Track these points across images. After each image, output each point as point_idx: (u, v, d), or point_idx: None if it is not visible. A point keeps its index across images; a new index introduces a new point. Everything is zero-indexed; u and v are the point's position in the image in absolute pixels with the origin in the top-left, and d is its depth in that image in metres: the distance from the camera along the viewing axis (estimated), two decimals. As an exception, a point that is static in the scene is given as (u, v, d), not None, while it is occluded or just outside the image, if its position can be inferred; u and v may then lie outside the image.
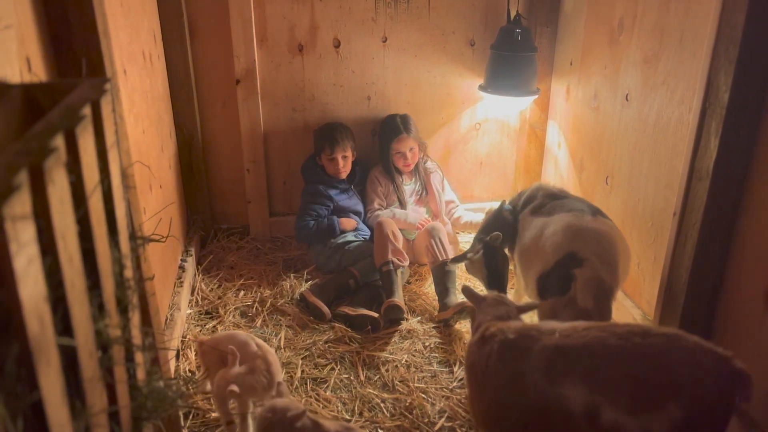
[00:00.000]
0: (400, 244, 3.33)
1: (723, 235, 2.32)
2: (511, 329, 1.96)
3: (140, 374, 1.41)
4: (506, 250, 3.05)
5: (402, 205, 3.79)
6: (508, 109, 3.98)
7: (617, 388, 1.67)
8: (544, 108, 3.98)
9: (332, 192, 3.66)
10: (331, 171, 3.65)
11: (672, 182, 2.64)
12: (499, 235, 2.90)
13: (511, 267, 3.15)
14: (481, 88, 3.79)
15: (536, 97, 3.80)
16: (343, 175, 3.68)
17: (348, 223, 3.68)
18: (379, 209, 3.76)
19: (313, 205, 3.62)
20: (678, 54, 2.58)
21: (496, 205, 3.19)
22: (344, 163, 3.64)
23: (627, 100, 3.01)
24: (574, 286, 2.30)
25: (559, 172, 3.88)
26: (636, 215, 2.98)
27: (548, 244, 2.48)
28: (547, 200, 2.80)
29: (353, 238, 3.61)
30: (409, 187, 3.83)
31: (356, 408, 2.52)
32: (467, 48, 3.84)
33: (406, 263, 3.33)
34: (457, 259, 3.16)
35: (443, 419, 2.46)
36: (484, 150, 4.16)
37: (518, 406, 1.84)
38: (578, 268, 2.30)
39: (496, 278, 2.95)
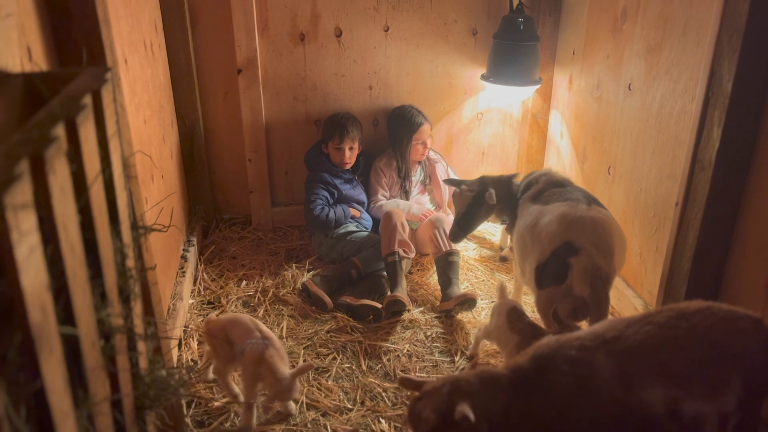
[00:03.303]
0: (407, 235, 3.34)
1: (725, 225, 2.32)
2: (559, 346, 1.74)
3: (143, 363, 1.42)
4: (505, 228, 3.14)
5: (407, 195, 3.80)
6: (511, 98, 3.96)
7: (690, 378, 1.64)
8: (546, 98, 3.96)
9: (337, 181, 3.66)
10: (337, 160, 3.65)
11: (674, 172, 2.64)
12: (492, 195, 2.95)
13: (510, 255, 3.15)
14: (484, 77, 3.77)
15: (539, 86, 3.79)
16: (348, 166, 3.68)
17: (353, 212, 3.68)
18: (382, 200, 3.76)
19: (322, 191, 3.62)
20: (681, 43, 2.56)
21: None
22: (350, 154, 3.64)
23: (630, 89, 2.99)
24: (570, 274, 2.30)
25: (561, 162, 3.87)
26: (638, 205, 2.97)
27: (543, 233, 2.48)
28: (548, 187, 2.79)
29: (355, 229, 3.61)
30: (414, 177, 3.83)
31: (358, 397, 2.53)
32: (469, 37, 3.82)
33: (412, 255, 3.34)
34: (454, 182, 3.23)
35: (444, 408, 2.47)
36: (486, 140, 4.15)
37: (598, 423, 1.67)
38: (574, 256, 2.30)
39: (465, 221, 3.09)
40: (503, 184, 3.08)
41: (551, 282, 2.38)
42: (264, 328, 2.39)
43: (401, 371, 2.68)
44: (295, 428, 2.36)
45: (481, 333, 2.70)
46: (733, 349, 1.65)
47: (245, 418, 2.31)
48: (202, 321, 2.99)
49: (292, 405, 2.43)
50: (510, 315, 2.48)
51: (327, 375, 2.66)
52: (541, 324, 2.52)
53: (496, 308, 2.60)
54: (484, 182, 3.06)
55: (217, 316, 3.02)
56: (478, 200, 3.01)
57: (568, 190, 2.72)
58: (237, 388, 2.45)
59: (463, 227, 3.10)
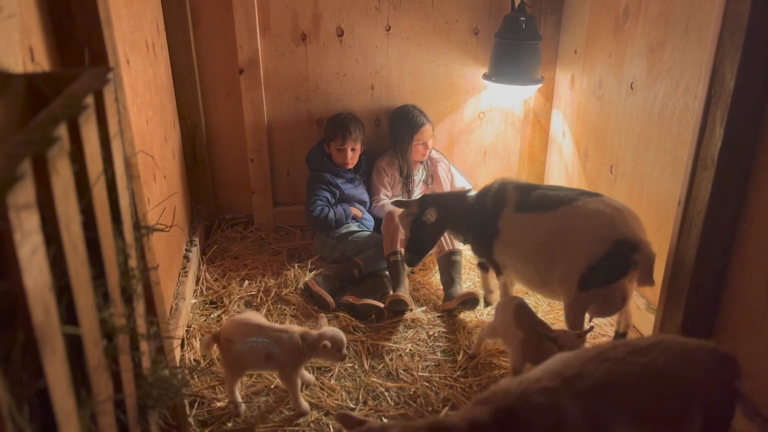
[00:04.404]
0: None
1: (727, 224, 2.32)
2: (520, 393, 1.60)
3: (145, 363, 1.42)
4: (477, 246, 2.98)
5: (409, 195, 3.80)
6: (513, 98, 3.96)
7: (653, 416, 1.61)
8: (548, 97, 3.96)
9: (338, 181, 3.65)
10: (339, 161, 3.65)
11: (677, 171, 2.63)
12: (431, 213, 2.87)
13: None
14: (485, 77, 3.77)
15: (540, 85, 3.78)
16: (350, 166, 3.68)
17: (355, 211, 3.68)
18: (384, 199, 3.76)
19: (323, 192, 3.62)
20: (683, 42, 2.56)
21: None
22: (352, 155, 3.63)
23: (632, 88, 2.99)
24: (633, 272, 2.33)
25: (563, 161, 3.87)
26: (641, 204, 2.97)
27: (582, 235, 2.43)
28: (525, 192, 2.72)
29: (357, 229, 3.61)
30: (416, 177, 3.83)
31: (360, 397, 2.53)
32: (471, 37, 3.82)
33: None
34: (401, 203, 3.14)
35: (447, 408, 2.47)
36: (488, 139, 4.15)
37: None
38: (637, 253, 2.31)
39: (415, 245, 2.98)
40: (453, 200, 3.00)
41: (601, 282, 2.38)
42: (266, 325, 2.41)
43: (404, 370, 2.68)
44: (297, 428, 2.37)
45: (485, 331, 2.70)
46: (692, 384, 1.64)
47: (297, 405, 2.42)
48: (205, 321, 3.00)
49: (305, 405, 2.43)
50: (517, 311, 2.48)
51: (329, 374, 2.66)
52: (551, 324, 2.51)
53: (502, 304, 2.60)
54: (424, 202, 2.98)
55: (217, 323, 3.02)
56: (417, 222, 2.92)
57: (553, 188, 2.73)
58: (240, 397, 2.46)
59: (414, 251, 3.00)
